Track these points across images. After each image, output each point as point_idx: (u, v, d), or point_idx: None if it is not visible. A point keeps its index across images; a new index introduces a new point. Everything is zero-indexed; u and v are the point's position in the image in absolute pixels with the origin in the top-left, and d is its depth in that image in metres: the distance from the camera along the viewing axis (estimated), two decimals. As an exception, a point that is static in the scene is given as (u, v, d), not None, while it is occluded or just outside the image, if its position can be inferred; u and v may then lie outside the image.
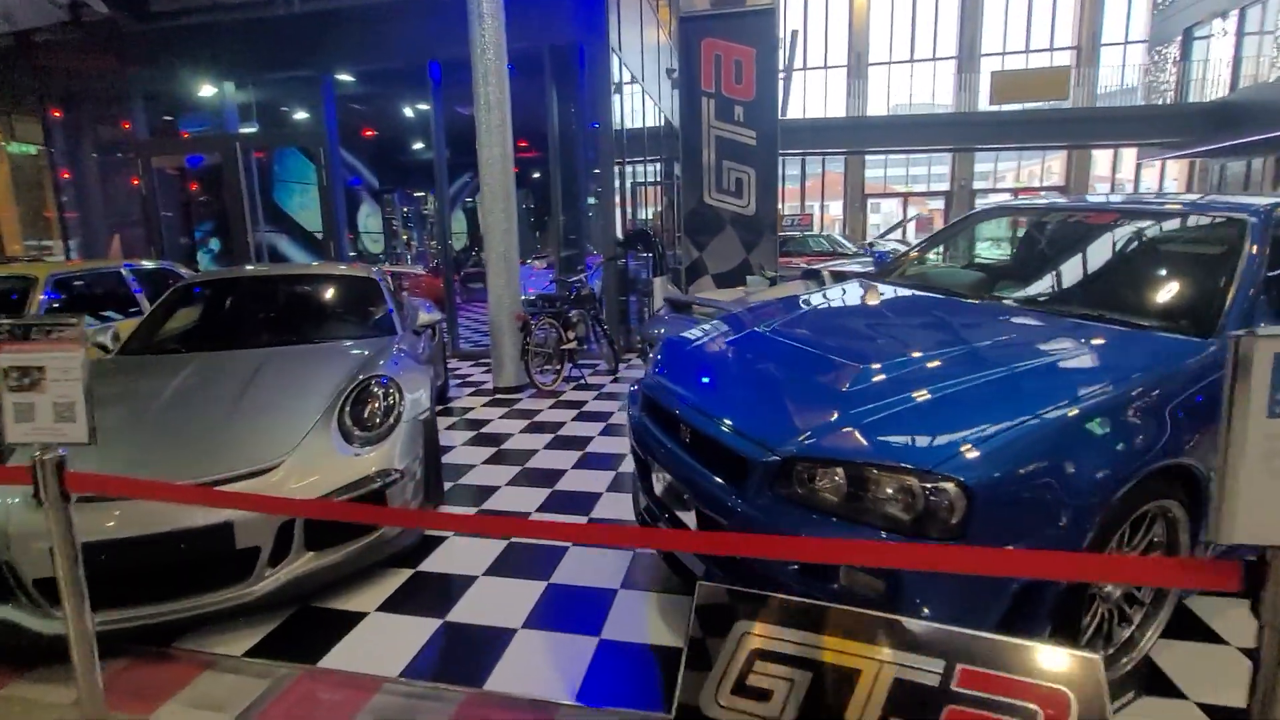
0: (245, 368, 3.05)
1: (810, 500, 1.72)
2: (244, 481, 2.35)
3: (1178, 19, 18.16)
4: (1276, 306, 2.14)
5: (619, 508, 3.31)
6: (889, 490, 1.60)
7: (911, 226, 20.33)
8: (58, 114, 8.76)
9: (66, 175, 9.04)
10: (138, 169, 8.41)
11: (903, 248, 12.61)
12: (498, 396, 5.59)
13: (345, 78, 7.92)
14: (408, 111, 10.48)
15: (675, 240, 9.66)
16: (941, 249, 3.40)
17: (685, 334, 2.78)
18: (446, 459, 3.97)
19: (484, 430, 4.66)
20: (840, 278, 5.45)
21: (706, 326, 2.84)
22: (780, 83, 9.60)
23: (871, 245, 14.81)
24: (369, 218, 15.28)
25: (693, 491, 2.04)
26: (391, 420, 2.79)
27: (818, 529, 1.68)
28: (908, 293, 2.81)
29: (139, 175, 8.41)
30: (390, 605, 2.49)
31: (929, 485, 1.54)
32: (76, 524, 1.73)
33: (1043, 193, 21.74)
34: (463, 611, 2.44)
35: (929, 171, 22.46)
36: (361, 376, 2.93)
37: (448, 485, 3.62)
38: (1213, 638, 2.20)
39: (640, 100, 8.90)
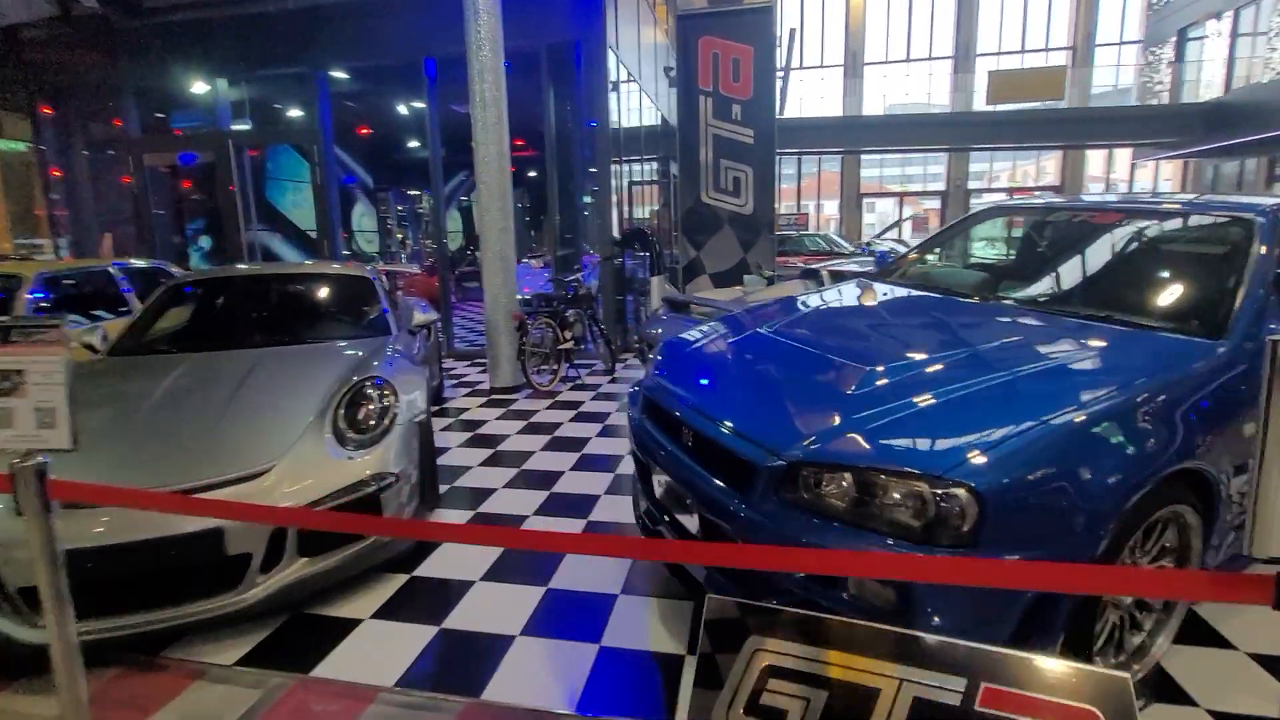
0: (237, 369, 2.99)
1: (816, 506, 1.68)
2: (235, 486, 2.29)
3: (1172, 20, 18.22)
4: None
5: (618, 510, 3.27)
6: (898, 496, 1.56)
7: (907, 226, 20.34)
8: (48, 110, 8.65)
9: (57, 173, 8.93)
10: (129, 166, 8.32)
11: (901, 248, 12.62)
12: (494, 397, 5.53)
13: (339, 75, 7.85)
14: (403, 109, 10.41)
15: (672, 239, 9.61)
16: (943, 249, 3.36)
17: (686, 335, 2.73)
18: (442, 461, 3.92)
19: (480, 431, 4.61)
20: (839, 277, 5.43)
21: (707, 327, 2.80)
22: (778, 81, 9.58)
23: (868, 245, 14.80)
24: (363, 217, 15.19)
25: (695, 495, 2.00)
26: (386, 423, 2.73)
27: (824, 535, 1.64)
28: (912, 293, 2.77)
29: (130, 173, 8.32)
30: (385, 612, 2.43)
31: (939, 491, 1.50)
32: (60, 531, 1.68)
33: (1036, 192, 21.80)
34: (460, 618, 2.39)
35: (924, 171, 22.49)
36: (356, 378, 2.88)
37: (444, 488, 3.57)
38: (1222, 643, 2.17)
39: (637, 99, 8.85)
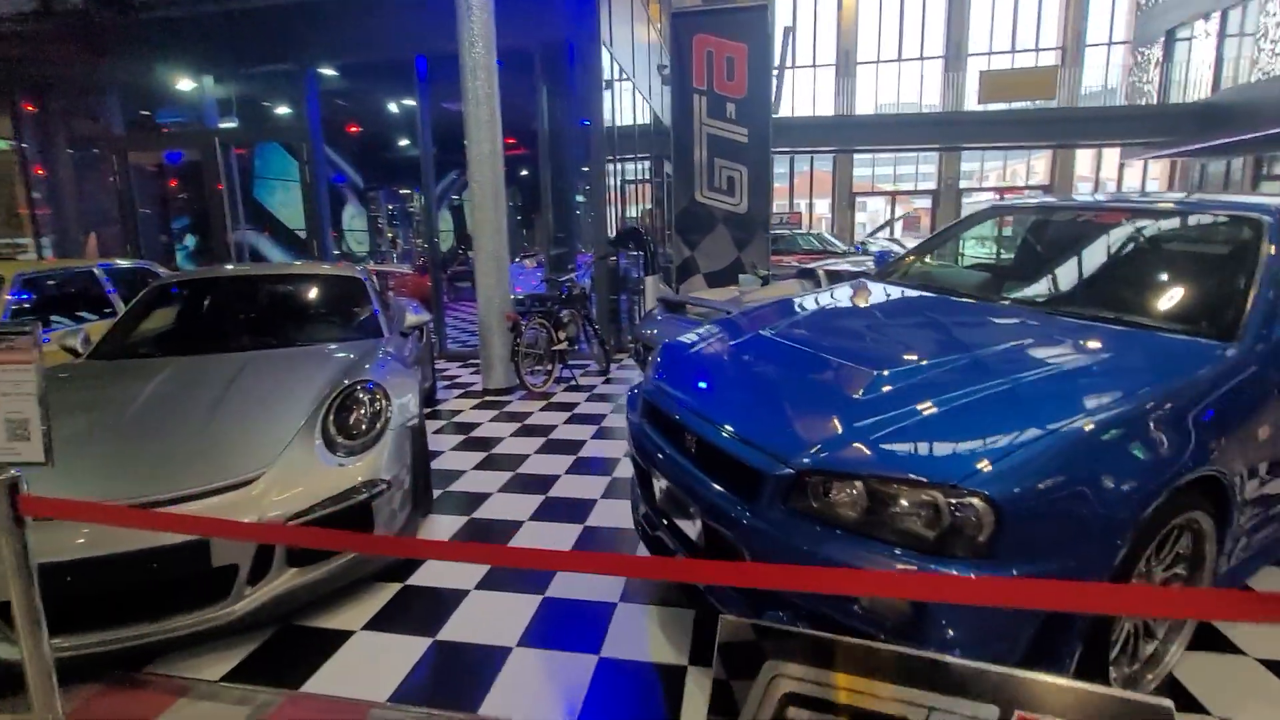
0: (224, 373, 2.90)
1: (825, 515, 1.63)
2: (222, 495, 2.22)
3: (1161, 21, 18.33)
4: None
5: (615, 514, 3.21)
6: (911, 506, 1.51)
7: (899, 225, 20.39)
8: (29, 108, 8.48)
9: (40, 171, 8.76)
10: (114, 165, 8.17)
11: (896, 247, 12.62)
12: (487, 399, 5.46)
13: (329, 72, 7.73)
14: (393, 107, 10.29)
15: (665, 238, 9.55)
16: (945, 249, 3.32)
17: (686, 337, 2.67)
18: (435, 464, 3.84)
19: (473, 434, 4.53)
20: (836, 277, 5.39)
21: (708, 329, 2.74)
22: (773, 80, 9.54)
23: (862, 244, 14.80)
24: (354, 218, 15.05)
25: (698, 502, 1.94)
26: (378, 428, 2.66)
27: (834, 545, 1.58)
28: (916, 294, 2.73)
29: (115, 171, 8.16)
30: (377, 623, 2.36)
31: (954, 501, 1.45)
32: (39, 544, 1.60)
33: (1026, 192, 21.91)
34: (454, 629, 2.32)
35: (916, 170, 22.54)
36: (346, 382, 2.80)
37: (437, 492, 3.49)
38: (1231, 648, 2.14)
39: (631, 97, 8.79)
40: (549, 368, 5.68)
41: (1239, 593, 0.96)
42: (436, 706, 1.95)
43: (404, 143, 12.90)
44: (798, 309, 2.75)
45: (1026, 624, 1.46)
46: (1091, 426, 1.56)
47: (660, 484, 2.20)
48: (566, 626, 2.32)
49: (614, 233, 7.65)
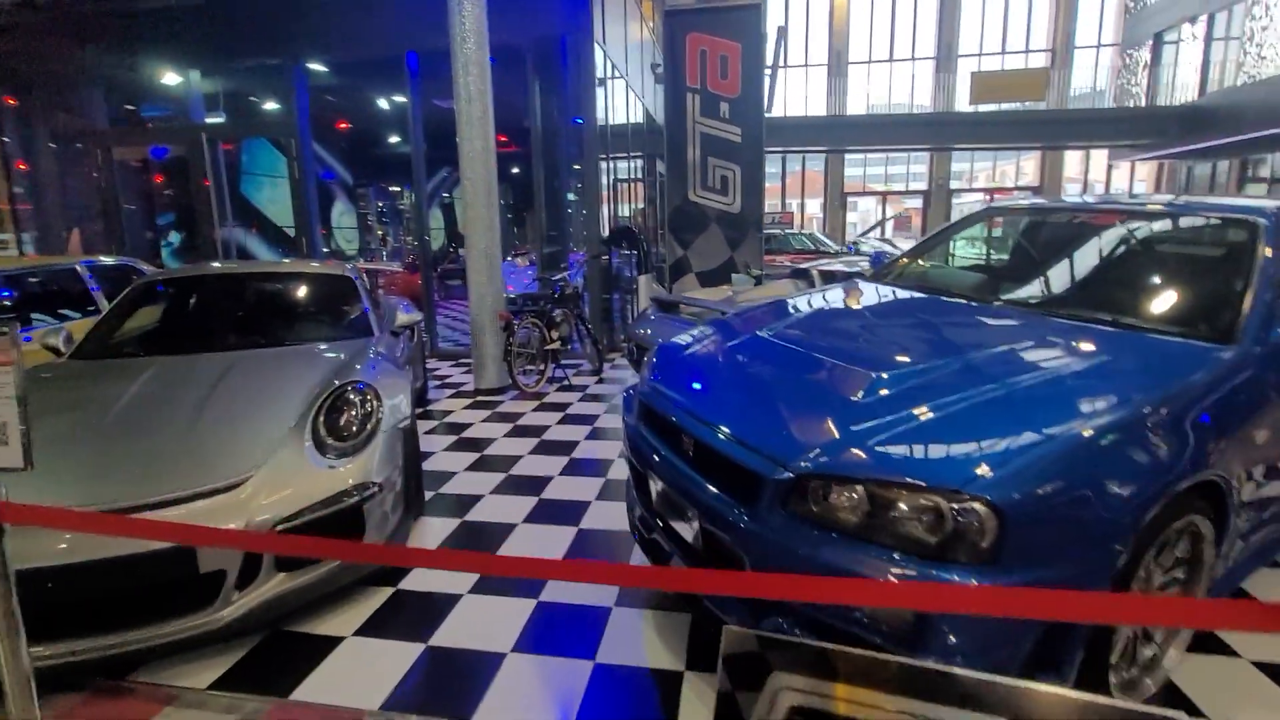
0: (210, 373, 2.85)
1: (825, 519, 1.61)
2: (210, 499, 2.17)
3: (1149, 23, 18.50)
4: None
5: (610, 517, 3.18)
6: (913, 510, 1.49)
7: (890, 226, 20.46)
8: (11, 101, 8.32)
9: (21, 166, 8.60)
10: (97, 160, 8.03)
11: (888, 247, 12.66)
12: (479, 399, 5.41)
13: (318, 67, 7.64)
14: (383, 103, 10.20)
15: (657, 238, 9.53)
16: (942, 250, 3.31)
17: (682, 338, 2.65)
18: (426, 465, 3.80)
19: (465, 434, 4.49)
20: (829, 278, 5.38)
21: (703, 330, 2.72)
22: (767, 79, 9.53)
23: (855, 244, 14.84)
24: (343, 215, 14.91)
25: (695, 506, 1.91)
26: (369, 429, 2.62)
27: (834, 549, 1.57)
28: (914, 295, 2.71)
29: (99, 166, 8.03)
30: (369, 628, 2.32)
31: (957, 506, 1.44)
32: (20, 549, 1.56)
33: (1015, 192, 22.06)
34: (447, 634, 2.28)
35: (907, 171, 22.63)
36: (337, 382, 2.75)
37: (428, 494, 3.45)
38: (1225, 650, 2.14)
39: (624, 95, 8.75)
40: (541, 367, 5.64)
41: (1249, 603, 0.95)
42: (429, 714, 1.92)
43: (394, 139, 12.80)
44: (795, 310, 2.73)
45: (1029, 631, 1.45)
46: (1094, 430, 1.55)
47: (656, 487, 2.18)
48: (561, 631, 2.29)
49: (607, 231, 7.61)
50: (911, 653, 1.46)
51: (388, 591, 2.54)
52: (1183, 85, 17.40)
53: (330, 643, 2.24)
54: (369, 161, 14.71)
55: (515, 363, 5.43)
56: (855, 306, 2.77)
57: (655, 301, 5.48)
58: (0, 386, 1.30)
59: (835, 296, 2.94)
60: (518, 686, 2.03)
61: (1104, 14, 20.64)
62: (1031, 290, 2.64)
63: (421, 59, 6.80)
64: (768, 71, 10.15)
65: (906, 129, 18.09)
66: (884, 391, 1.81)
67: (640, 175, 10.54)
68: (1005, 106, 17.11)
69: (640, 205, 10.65)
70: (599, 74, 6.91)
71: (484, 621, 2.35)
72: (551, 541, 2.96)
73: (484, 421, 4.78)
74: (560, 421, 4.74)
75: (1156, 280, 2.45)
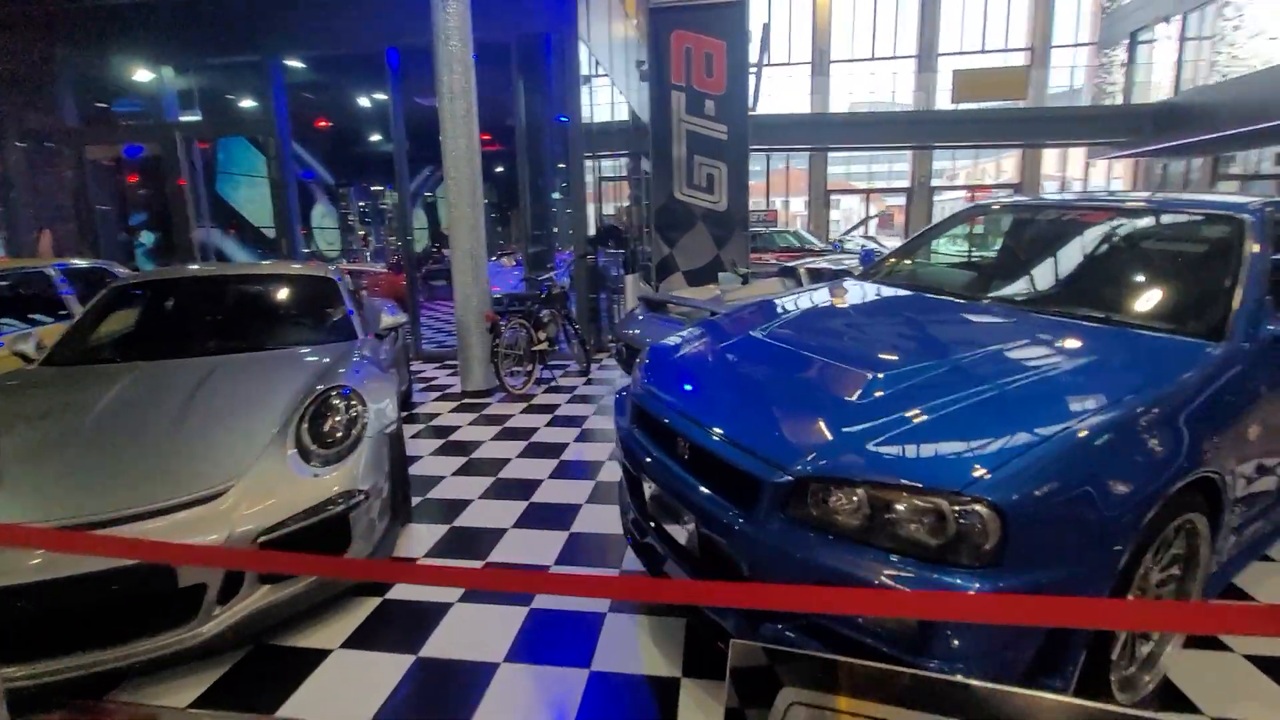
0: (189, 379, 2.76)
1: (826, 523, 1.58)
2: (190, 510, 2.10)
3: (1124, 23, 18.79)
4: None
5: (602, 520, 3.14)
6: (914, 513, 1.47)
7: (873, 224, 20.61)
8: (-24, 99, 8.06)
9: (-12, 166, 8.34)
10: (69, 159, 7.81)
11: (873, 244, 12.72)
12: (466, 401, 5.34)
13: (296, 64, 7.49)
14: (364, 101, 10.05)
15: (642, 236, 9.48)
16: (931, 248, 3.31)
17: (674, 339, 2.61)
18: (413, 470, 3.73)
19: (452, 438, 4.42)
20: (817, 276, 5.38)
21: (695, 330, 2.69)
22: (752, 77, 9.52)
23: (839, 242, 14.91)
24: (324, 216, 14.70)
25: (691, 510, 1.88)
26: (354, 435, 2.55)
27: (834, 554, 1.54)
28: (906, 294, 2.70)
29: (71, 166, 7.81)
30: (356, 640, 2.26)
31: (959, 508, 1.42)
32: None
33: (995, 190, 22.31)
34: (438, 645, 2.23)
35: (890, 169, 22.82)
36: (320, 387, 2.68)
37: (415, 500, 3.39)
38: (1216, 645, 2.16)
39: (609, 93, 8.70)
40: (529, 369, 5.58)
41: (1254, 606, 0.93)
42: (421, 728, 1.87)
43: (375, 138, 12.63)
44: (788, 309, 2.71)
45: (1033, 634, 1.43)
46: (1094, 429, 1.54)
47: (650, 490, 2.14)
48: (555, 639, 2.25)
49: (593, 231, 7.56)
50: (915, 656, 1.44)
51: (375, 601, 2.48)
52: (1157, 84, 17.70)
53: (317, 656, 2.18)
54: (350, 161, 14.51)
55: (502, 364, 5.37)
56: (849, 306, 2.75)
57: (643, 301, 5.45)
58: (-38, 399, 1.23)
59: (827, 295, 2.92)
60: (512, 697, 1.98)
61: (1080, 13, 20.94)
62: (1025, 288, 2.64)
63: (403, 55, 6.70)
64: (752, 69, 10.12)
65: (889, 127, 18.21)
66: (881, 392, 1.79)
67: (626, 173, 10.49)
68: (985, 105, 17.29)
69: (626, 204, 10.60)
70: (584, 71, 6.85)
71: (475, 630, 2.30)
72: (542, 546, 2.91)
73: (471, 424, 4.71)
74: (549, 423, 4.68)
75: (1150, 278, 2.46)
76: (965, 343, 2.16)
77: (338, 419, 2.58)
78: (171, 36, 7.15)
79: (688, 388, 2.23)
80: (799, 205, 22.46)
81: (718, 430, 1.87)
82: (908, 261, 3.16)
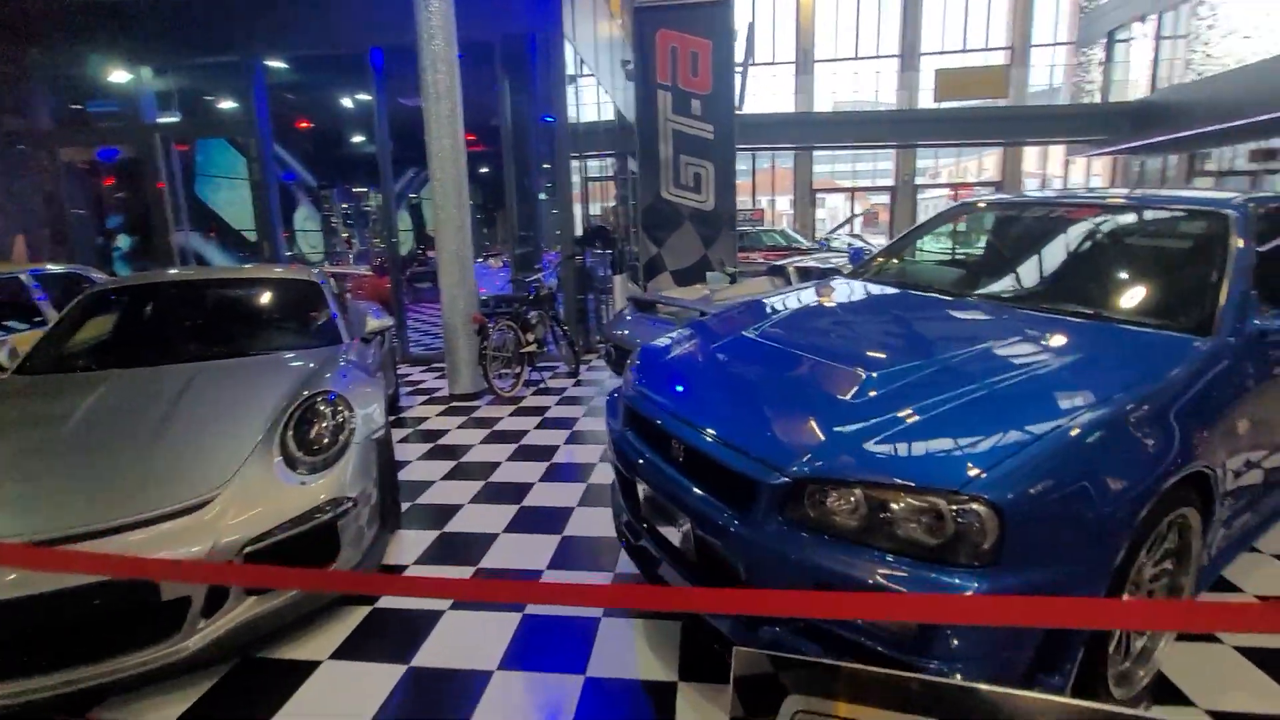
0: (170, 387, 2.70)
1: (823, 524, 1.57)
2: (173, 521, 2.04)
3: (1102, 22, 19.06)
4: (1266, 299, 2.11)
5: (594, 523, 3.12)
6: (913, 513, 1.46)
7: (859, 222, 20.74)
8: (-55, 100, 7.86)
9: (-42, 169, 8.14)
10: (43, 162, 7.64)
11: (860, 243, 12.78)
12: (454, 404, 5.29)
13: (278, 64, 7.38)
14: (347, 102, 9.93)
15: (629, 236, 9.46)
16: (920, 246, 3.32)
17: (665, 339, 2.59)
18: (402, 475, 3.68)
19: (441, 442, 4.37)
20: (806, 274, 5.39)
21: (686, 330, 2.67)
22: (737, 76, 9.53)
23: (826, 240, 14.98)
24: (307, 220, 14.51)
25: (686, 512, 1.86)
26: (341, 441, 2.50)
27: (832, 555, 1.53)
28: (898, 292, 2.70)
29: (45, 169, 7.64)
30: (346, 651, 2.22)
31: (957, 507, 1.41)
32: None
33: (976, 188, 22.55)
34: (430, 654, 2.20)
35: (874, 167, 22.97)
36: (306, 393, 2.63)
37: (405, 505, 3.34)
38: (1207, 637, 2.17)
39: (594, 93, 8.66)
40: (517, 371, 5.54)
41: (1251, 604, 0.93)
42: (414, 740, 1.84)
43: (359, 139, 12.49)
44: (779, 309, 2.70)
45: (1032, 634, 1.43)
46: (1088, 426, 1.54)
47: (644, 492, 2.12)
48: (549, 645, 2.22)
49: (581, 231, 7.52)
50: (915, 657, 1.43)
51: (364, 611, 2.44)
52: (1135, 82, 17.97)
53: (306, 668, 2.13)
54: (333, 162, 14.33)
55: (490, 366, 5.32)
56: (840, 304, 2.75)
57: (632, 301, 5.42)
58: (-69, 412, 1.18)
59: (818, 295, 2.92)
60: (506, 706, 1.95)
61: (1059, 13, 21.22)
62: (1016, 285, 2.65)
63: (386, 56, 6.62)
64: (738, 69, 10.13)
65: (873, 126, 18.34)
66: (876, 391, 1.79)
67: (612, 173, 10.45)
68: (967, 104, 17.47)
69: (612, 204, 10.57)
70: (569, 71, 6.81)
71: (468, 638, 2.27)
72: (535, 551, 2.88)
73: (460, 428, 4.66)
74: (538, 426, 4.65)
75: (1137, 273, 2.47)
76: (958, 340, 2.16)
77: (324, 425, 2.53)
78: (149, 36, 7.01)
79: (680, 389, 2.22)
80: (785, 204, 22.56)
81: (711, 431, 1.85)
82: (896, 260, 3.17)
